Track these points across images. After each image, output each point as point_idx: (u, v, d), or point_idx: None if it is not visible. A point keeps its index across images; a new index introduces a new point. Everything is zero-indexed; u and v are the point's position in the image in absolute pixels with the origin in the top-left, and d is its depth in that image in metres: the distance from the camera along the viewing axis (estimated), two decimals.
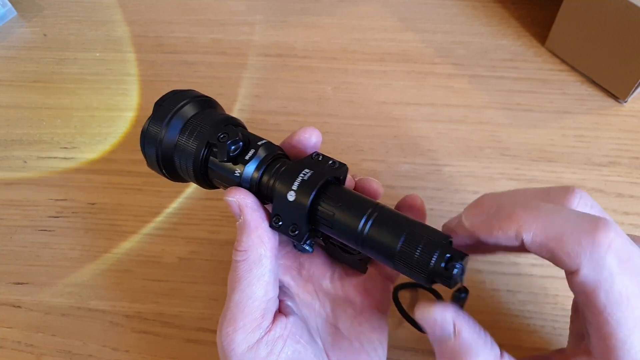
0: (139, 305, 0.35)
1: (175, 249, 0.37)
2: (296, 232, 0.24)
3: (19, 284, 0.36)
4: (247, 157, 0.25)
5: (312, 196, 0.23)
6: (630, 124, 0.42)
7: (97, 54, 0.49)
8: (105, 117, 0.44)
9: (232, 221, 0.38)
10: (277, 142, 0.27)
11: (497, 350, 0.20)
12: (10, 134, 0.44)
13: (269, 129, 0.42)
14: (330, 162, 0.25)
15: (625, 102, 0.43)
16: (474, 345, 0.20)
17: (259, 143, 0.26)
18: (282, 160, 0.26)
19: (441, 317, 0.20)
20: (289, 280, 0.28)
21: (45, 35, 0.51)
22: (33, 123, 0.44)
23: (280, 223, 0.24)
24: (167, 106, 0.26)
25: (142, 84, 0.46)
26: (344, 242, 0.24)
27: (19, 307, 0.36)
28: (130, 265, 0.37)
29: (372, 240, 0.22)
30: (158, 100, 0.27)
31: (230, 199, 0.24)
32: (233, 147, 0.25)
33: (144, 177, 0.41)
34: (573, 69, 0.45)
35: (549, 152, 0.40)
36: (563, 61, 0.46)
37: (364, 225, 0.22)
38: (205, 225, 0.38)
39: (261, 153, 0.25)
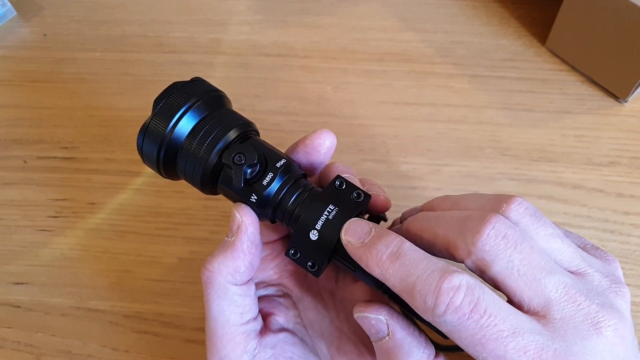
0: (138, 306, 0.35)
1: (175, 249, 0.37)
2: (315, 269, 0.23)
3: (18, 284, 0.36)
4: (264, 183, 0.24)
5: (335, 241, 0.23)
6: (630, 124, 0.42)
7: (97, 54, 0.49)
8: (105, 117, 0.44)
9: None
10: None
11: (431, 350, 0.22)
12: (10, 133, 0.44)
13: (269, 129, 0.42)
14: (354, 193, 0.24)
15: (626, 102, 0.43)
16: (407, 345, 0.21)
17: (278, 165, 0.24)
18: (302, 185, 0.24)
19: (375, 318, 0.22)
20: (293, 285, 0.28)
21: (45, 35, 0.51)
22: (33, 123, 0.44)
23: (298, 256, 0.23)
24: (174, 102, 0.24)
25: (141, 83, 0.46)
26: (366, 281, 0.23)
27: (18, 307, 0.35)
28: (130, 265, 0.37)
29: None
30: (162, 93, 0.25)
31: (237, 215, 0.24)
32: (250, 171, 0.23)
33: (144, 177, 0.41)
34: (573, 68, 0.45)
35: (549, 152, 0.40)
36: (563, 61, 0.46)
37: None
38: (205, 225, 0.38)
39: (280, 178, 0.24)
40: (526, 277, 0.20)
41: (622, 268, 0.35)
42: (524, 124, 0.42)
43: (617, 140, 0.41)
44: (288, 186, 0.24)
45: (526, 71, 0.45)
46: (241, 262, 0.24)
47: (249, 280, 0.25)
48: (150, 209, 0.39)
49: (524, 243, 0.20)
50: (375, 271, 0.21)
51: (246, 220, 0.24)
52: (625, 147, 0.40)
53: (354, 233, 0.22)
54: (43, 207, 0.40)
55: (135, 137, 0.43)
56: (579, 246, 0.23)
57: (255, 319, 0.25)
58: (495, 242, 0.20)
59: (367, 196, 0.24)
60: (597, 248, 0.23)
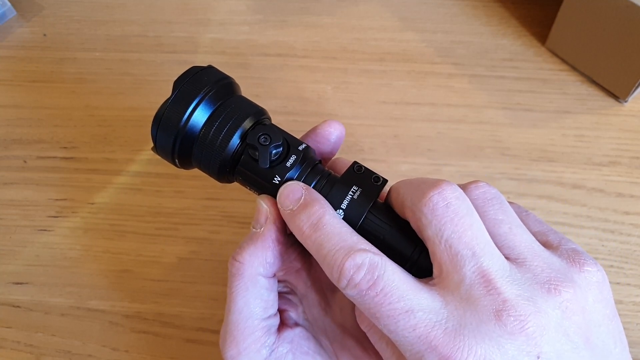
0: (138, 305, 0.35)
1: (175, 249, 0.37)
2: None
3: (18, 284, 0.36)
4: (288, 164, 0.24)
5: (361, 220, 0.23)
6: (630, 124, 0.42)
7: (97, 54, 0.49)
8: (105, 117, 0.44)
9: (232, 221, 0.38)
10: None
11: None
12: (10, 133, 0.44)
13: None
14: (373, 176, 0.24)
15: (626, 101, 0.43)
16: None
17: (300, 148, 0.25)
18: (321, 170, 0.25)
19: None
20: (297, 282, 0.28)
21: (44, 35, 0.51)
22: (32, 123, 0.44)
23: None
24: (189, 90, 0.24)
25: (141, 83, 0.46)
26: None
27: (18, 307, 0.35)
28: (130, 265, 0.37)
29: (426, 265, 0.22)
30: (177, 80, 0.25)
31: (263, 206, 0.24)
32: (274, 152, 0.24)
33: (144, 177, 0.41)
34: (573, 68, 0.45)
35: (549, 151, 0.40)
36: (563, 61, 0.46)
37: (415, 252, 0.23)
38: (205, 225, 0.38)
39: (303, 160, 0.24)
40: (451, 250, 0.20)
41: (622, 268, 0.35)
42: (524, 123, 0.42)
43: (617, 140, 0.41)
44: (309, 170, 0.24)
45: (526, 71, 0.45)
46: (271, 252, 0.24)
47: (274, 275, 0.25)
48: (150, 209, 0.39)
49: (465, 218, 0.20)
50: (300, 239, 0.22)
51: (274, 210, 0.24)
52: (625, 147, 0.40)
53: (286, 199, 0.23)
54: (43, 207, 0.40)
55: (135, 136, 0.43)
56: (545, 240, 0.22)
57: (275, 315, 0.25)
58: (435, 207, 0.21)
59: (385, 180, 0.24)
60: (574, 250, 0.22)
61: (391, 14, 0.50)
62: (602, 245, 0.36)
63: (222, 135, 0.24)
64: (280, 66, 0.47)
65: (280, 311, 0.26)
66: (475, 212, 0.21)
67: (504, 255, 0.21)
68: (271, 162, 0.24)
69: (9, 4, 0.52)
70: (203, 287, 0.36)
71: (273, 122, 0.27)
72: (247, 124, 0.25)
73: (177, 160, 0.26)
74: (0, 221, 0.39)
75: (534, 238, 0.22)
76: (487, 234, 0.21)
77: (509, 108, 0.43)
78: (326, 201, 0.23)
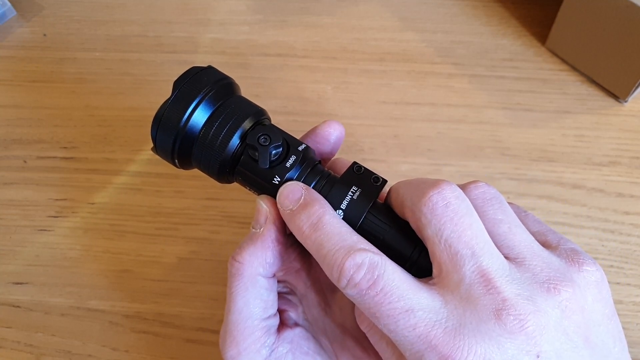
0: (138, 305, 0.35)
1: (175, 249, 0.37)
2: None
3: (18, 283, 0.36)
4: (287, 165, 0.24)
5: (361, 220, 0.23)
6: (630, 124, 0.42)
7: (97, 54, 0.49)
8: (105, 117, 0.44)
9: (232, 221, 0.38)
10: None
11: None
12: (10, 133, 0.44)
13: None
14: (373, 177, 0.24)
15: (626, 101, 0.43)
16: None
17: (300, 148, 0.25)
18: (321, 170, 0.25)
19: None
20: (297, 282, 0.28)
21: (44, 34, 0.51)
22: (32, 123, 0.44)
23: None
24: (189, 90, 0.24)
25: (141, 83, 0.46)
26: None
27: (18, 307, 0.35)
28: (130, 265, 0.37)
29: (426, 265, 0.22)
30: (177, 80, 0.25)
31: (263, 206, 0.24)
32: (274, 152, 0.24)
33: (144, 177, 0.41)
34: (573, 68, 0.45)
35: (549, 151, 0.40)
36: (563, 61, 0.46)
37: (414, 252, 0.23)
38: (205, 225, 0.38)
39: (302, 160, 0.24)
40: (450, 249, 0.20)
41: (622, 268, 0.35)
42: (524, 123, 0.42)
43: (617, 140, 0.41)
44: (309, 170, 0.24)
45: (526, 71, 0.45)
46: (270, 252, 0.24)
47: (274, 275, 0.25)
48: (150, 209, 0.39)
49: (465, 217, 0.21)
50: (300, 239, 0.22)
51: (273, 210, 0.24)
52: (625, 147, 0.40)
53: (286, 199, 0.23)
54: (43, 207, 0.40)
55: (135, 136, 0.43)
56: (544, 240, 0.23)
57: (275, 315, 0.25)
58: (435, 206, 0.21)
59: (384, 180, 0.25)
60: (573, 250, 0.22)
61: (391, 14, 0.50)
62: (602, 245, 0.36)
63: (222, 136, 0.24)
64: (280, 66, 0.47)
65: (280, 311, 0.26)
66: (475, 212, 0.21)
67: (503, 254, 0.21)
68: (271, 162, 0.24)
69: (9, 4, 0.52)
70: (203, 287, 0.36)
71: (273, 122, 0.27)
72: (247, 124, 0.25)
73: (177, 161, 0.26)
74: (0, 221, 0.39)
75: (533, 238, 0.22)
76: (487, 233, 0.21)
77: (509, 108, 0.43)
78: (326, 201, 0.23)
